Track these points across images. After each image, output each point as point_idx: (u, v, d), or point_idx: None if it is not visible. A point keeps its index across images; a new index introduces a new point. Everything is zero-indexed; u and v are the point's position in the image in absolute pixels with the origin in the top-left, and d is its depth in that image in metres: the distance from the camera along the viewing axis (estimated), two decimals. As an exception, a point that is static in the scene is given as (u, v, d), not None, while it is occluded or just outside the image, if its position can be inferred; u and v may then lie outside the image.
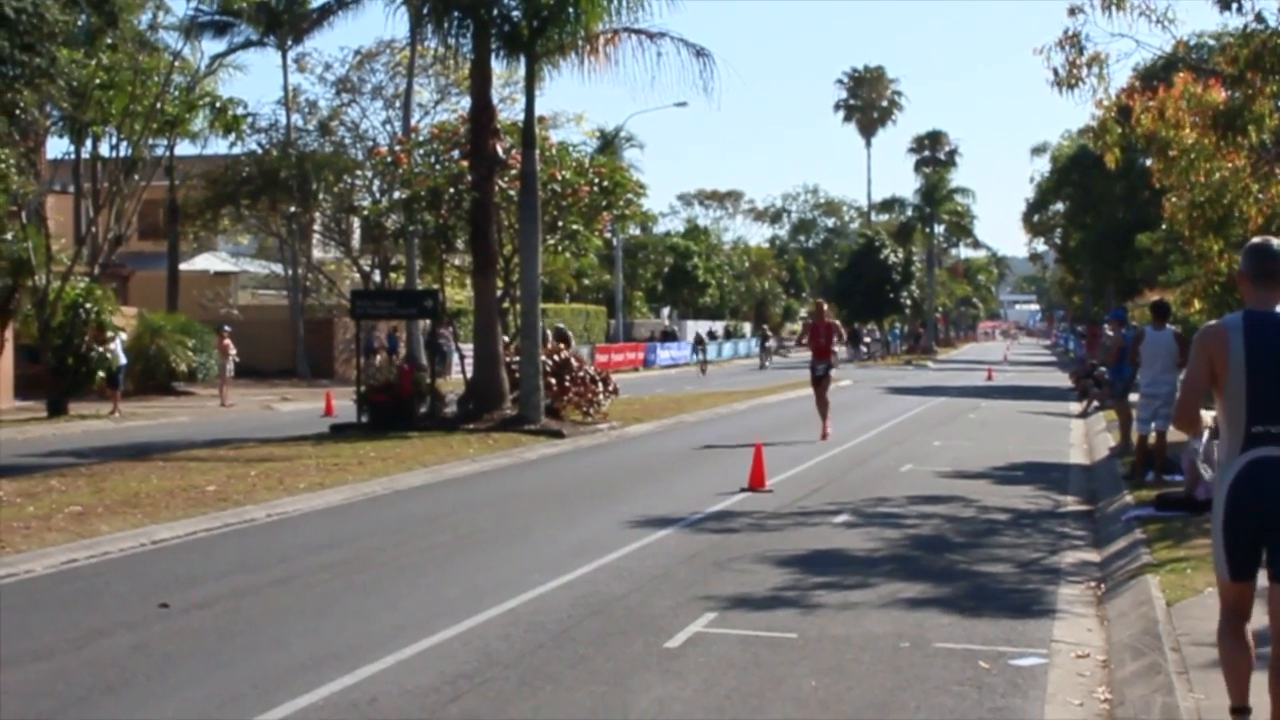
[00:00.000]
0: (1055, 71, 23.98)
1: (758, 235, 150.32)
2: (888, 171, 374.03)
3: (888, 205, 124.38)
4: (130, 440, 30.12)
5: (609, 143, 79.08)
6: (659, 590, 13.21)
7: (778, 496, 20.46)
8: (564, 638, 11.23)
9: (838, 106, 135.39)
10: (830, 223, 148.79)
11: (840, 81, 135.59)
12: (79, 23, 39.81)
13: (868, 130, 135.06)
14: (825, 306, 32.87)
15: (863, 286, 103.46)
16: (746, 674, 10.13)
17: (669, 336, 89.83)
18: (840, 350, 30.28)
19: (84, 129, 45.23)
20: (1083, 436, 32.18)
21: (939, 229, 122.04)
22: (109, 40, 42.23)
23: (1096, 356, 38.62)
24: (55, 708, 9.18)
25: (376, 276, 54.50)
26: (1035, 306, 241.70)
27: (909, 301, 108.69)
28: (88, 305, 40.87)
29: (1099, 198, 77.56)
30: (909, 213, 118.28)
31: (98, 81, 39.86)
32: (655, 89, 62.00)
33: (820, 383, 31.05)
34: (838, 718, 9.07)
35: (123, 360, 39.32)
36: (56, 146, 59.47)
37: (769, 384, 53.72)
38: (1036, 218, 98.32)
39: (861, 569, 14.50)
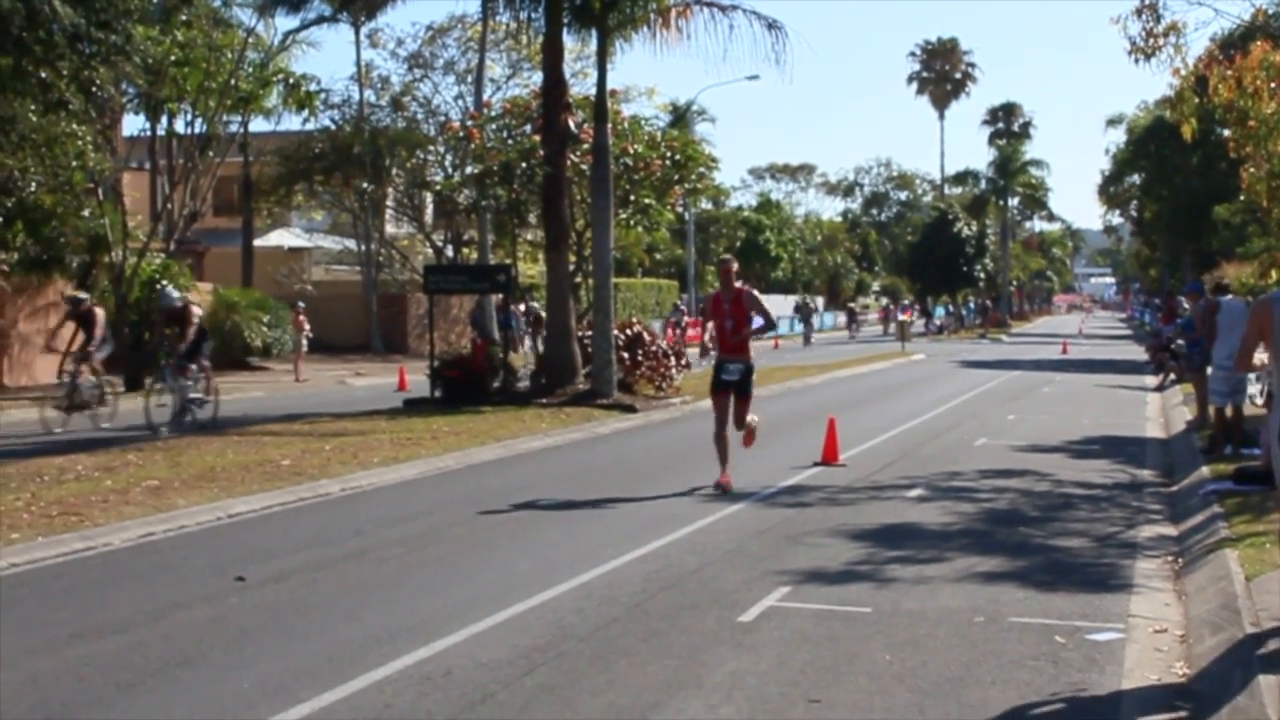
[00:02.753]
0: (1132, 41, 23.85)
1: (830, 209, 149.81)
2: (961, 144, 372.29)
3: (961, 178, 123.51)
4: (206, 414, 30.32)
5: (681, 116, 78.91)
6: (732, 564, 13.19)
7: (850, 470, 20.40)
8: (637, 611, 11.23)
9: (911, 79, 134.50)
10: (903, 196, 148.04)
11: (913, 54, 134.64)
12: (154, 0, 40.03)
13: (941, 103, 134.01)
14: (734, 267, 19.45)
15: (936, 260, 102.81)
16: (820, 648, 10.09)
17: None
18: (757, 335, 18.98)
19: (159, 106, 45.51)
20: (1159, 410, 31.92)
21: (1013, 202, 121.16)
22: (184, 17, 42.45)
23: (1175, 329, 38.28)
24: (134, 679, 9.25)
25: (449, 251, 54.67)
26: (1110, 279, 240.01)
27: (983, 275, 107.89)
28: (164, 281, 41.22)
29: (1175, 169, 76.89)
30: (983, 185, 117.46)
31: (173, 58, 40.06)
32: (727, 62, 62.16)
33: (725, 395, 18.84)
34: (913, 692, 9.02)
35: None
36: (132, 123, 59.96)
37: (842, 358, 53.59)
38: (1112, 190, 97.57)
39: (935, 543, 14.44)
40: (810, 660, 9.76)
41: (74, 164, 34.66)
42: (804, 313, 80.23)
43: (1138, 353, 60.27)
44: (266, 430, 25.44)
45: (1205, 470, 19.04)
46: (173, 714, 8.56)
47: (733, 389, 18.69)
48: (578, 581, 12.31)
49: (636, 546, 13.98)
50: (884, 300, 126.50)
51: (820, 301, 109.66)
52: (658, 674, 9.39)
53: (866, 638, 10.39)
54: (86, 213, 36.93)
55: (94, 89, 31.02)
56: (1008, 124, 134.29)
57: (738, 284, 19.06)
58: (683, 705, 8.72)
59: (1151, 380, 41.05)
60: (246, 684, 9.12)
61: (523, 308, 42.42)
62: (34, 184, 34.59)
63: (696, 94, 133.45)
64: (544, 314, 37.79)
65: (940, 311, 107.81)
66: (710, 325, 19.57)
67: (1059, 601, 11.67)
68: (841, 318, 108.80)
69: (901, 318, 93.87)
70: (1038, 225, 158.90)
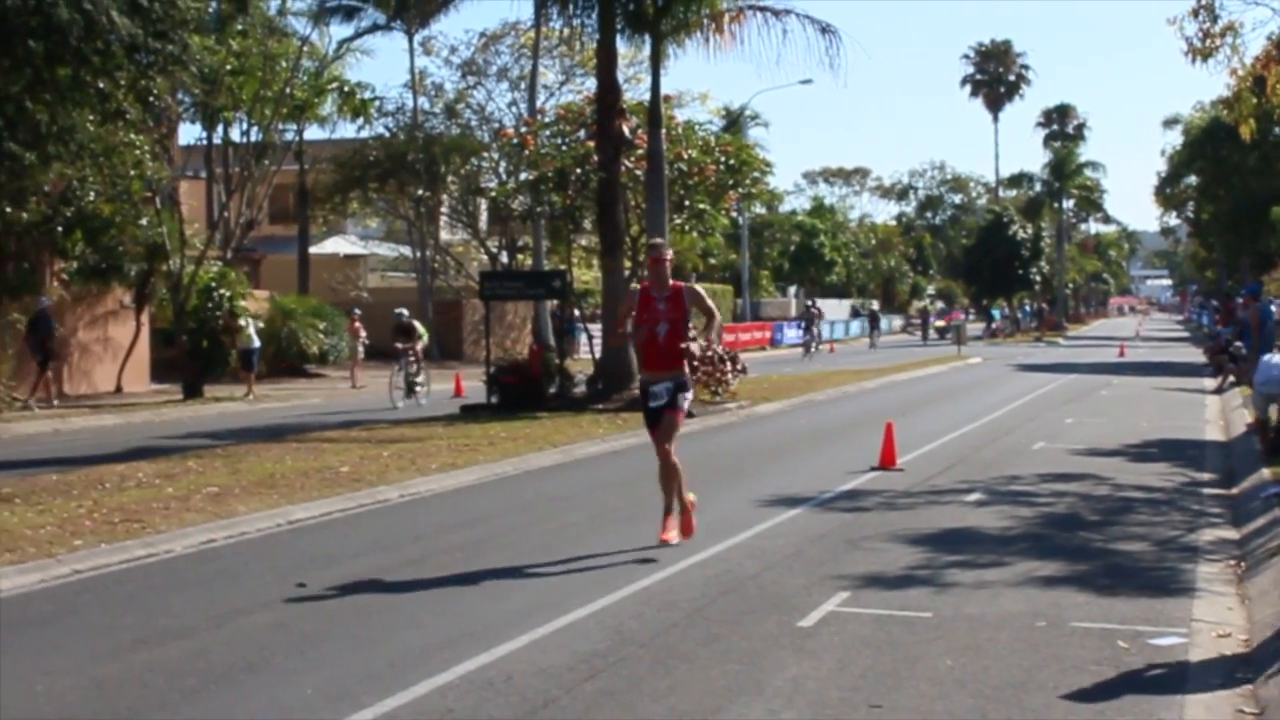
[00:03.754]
0: (1188, 41, 23.69)
1: (884, 212, 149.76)
2: (1015, 146, 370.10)
3: (1016, 180, 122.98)
4: (264, 422, 30.50)
5: (734, 121, 78.88)
6: (791, 569, 13.18)
7: (908, 475, 20.34)
8: (697, 617, 11.23)
9: (964, 81, 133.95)
10: (957, 199, 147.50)
11: (967, 56, 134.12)
12: (210, 9, 40.33)
13: (995, 105, 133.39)
14: (668, 255, 15.19)
15: (991, 263, 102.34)
16: (881, 653, 10.07)
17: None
18: (697, 347, 14.85)
19: (215, 115, 45.83)
20: (1218, 413, 31.72)
21: (1068, 204, 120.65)
22: (239, 26, 42.81)
23: (1233, 331, 38.03)
24: (197, 685, 9.31)
25: (504, 258, 54.82)
26: (1167, 281, 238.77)
27: (1038, 278, 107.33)
28: (221, 289, 41.48)
29: (1232, 170, 76.37)
30: (1037, 188, 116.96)
31: (228, 67, 40.39)
32: (780, 66, 61.89)
33: (660, 424, 14.54)
34: (975, 697, 8.99)
35: (255, 343, 39.80)
36: (188, 132, 60.45)
37: (899, 362, 53.49)
38: (1168, 191, 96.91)
39: (995, 547, 14.38)
40: (871, 665, 9.74)
41: (132, 173, 34.93)
42: (806, 319, 74.35)
43: (1196, 355, 59.89)
44: (325, 437, 25.55)
45: (1266, 473, 18.89)
46: (236, 719, 8.61)
47: (668, 412, 14.46)
48: (637, 587, 12.31)
49: (695, 551, 13.97)
50: (939, 304, 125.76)
51: (876, 304, 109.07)
52: (718, 679, 9.38)
53: (927, 643, 10.36)
54: (144, 221, 37.21)
55: (151, 98, 31.27)
56: (1062, 126, 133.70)
57: (674, 283, 14.70)
58: (744, 710, 8.71)
59: (1210, 383, 40.79)
60: (309, 689, 9.16)
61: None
62: (92, 193, 34.87)
63: (750, 98, 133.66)
64: (417, 324, 37.51)
65: (996, 315, 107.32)
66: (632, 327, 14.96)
67: (1120, 606, 11.61)
68: (898, 321, 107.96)
69: (939, 323, 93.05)
70: (1093, 227, 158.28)
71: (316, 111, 52.70)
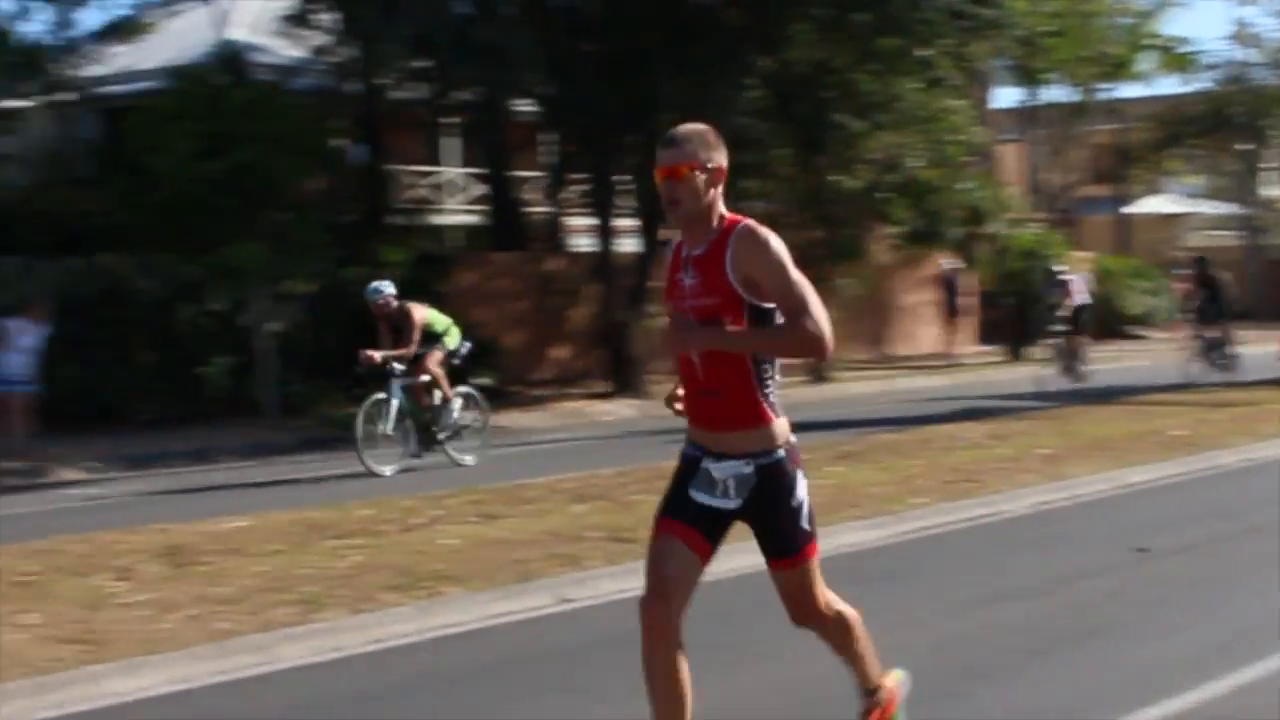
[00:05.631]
0: None
1: None
2: None
3: None
4: (1089, 384, 30.20)
5: None
6: None
7: None
8: None
9: None
10: None
11: None
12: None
13: None
14: (697, 159, 5.82)
15: None
16: None
17: None
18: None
19: (1032, 77, 46.01)
20: None
21: None
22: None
23: None
24: (1038, 645, 9.29)
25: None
26: None
27: None
28: (1042, 252, 41.56)
29: None
30: None
31: (1046, 29, 40.37)
32: None
33: (682, 529, 6.07)
34: None
35: (1086, 302, 39.47)
36: (1000, 96, 61.03)
37: None
38: None
39: None
40: None
41: (953, 138, 35.48)
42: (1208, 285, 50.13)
43: None
44: (1152, 400, 25.15)
45: None
46: (1079, 681, 8.52)
47: (731, 522, 6.29)
48: None
49: None
50: None
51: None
52: None
53: None
54: (969, 185, 37.73)
55: (970, 64, 31.78)
56: None
57: (722, 210, 6.06)
58: None
59: None
60: (1149, 654, 8.96)
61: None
62: (915, 160, 35.67)
63: None
64: (417, 310, 19.32)
65: None
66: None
67: None
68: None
69: None
70: None
71: (1133, 68, 51.84)
